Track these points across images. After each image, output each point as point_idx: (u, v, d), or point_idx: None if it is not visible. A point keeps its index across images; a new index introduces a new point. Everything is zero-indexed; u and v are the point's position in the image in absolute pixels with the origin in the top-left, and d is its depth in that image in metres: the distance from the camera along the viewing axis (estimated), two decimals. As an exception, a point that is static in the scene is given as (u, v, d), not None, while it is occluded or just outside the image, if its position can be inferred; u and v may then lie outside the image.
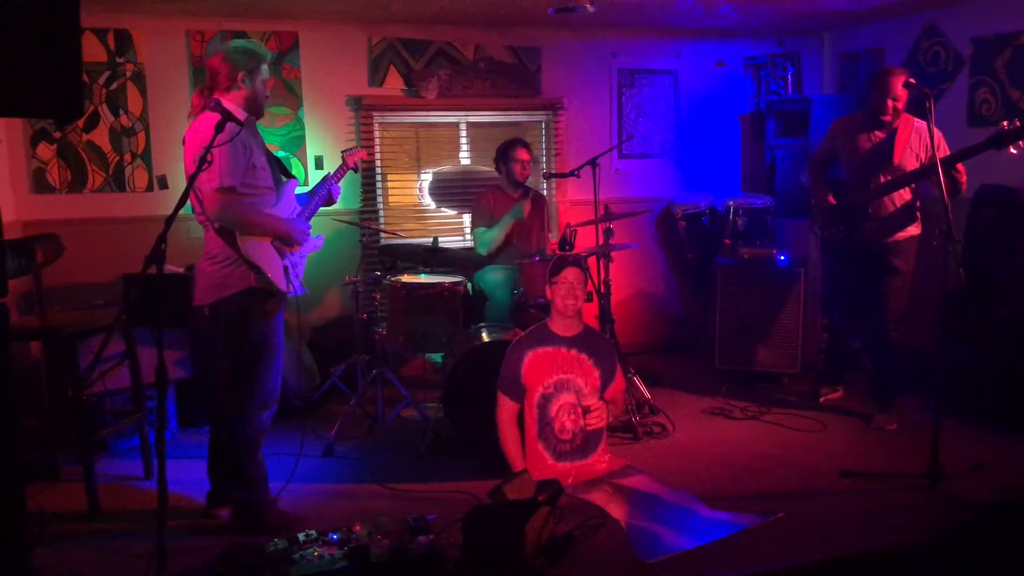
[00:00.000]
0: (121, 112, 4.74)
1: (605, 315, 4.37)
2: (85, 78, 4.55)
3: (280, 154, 4.79)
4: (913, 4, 4.95)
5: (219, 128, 2.66)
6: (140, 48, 4.72)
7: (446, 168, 5.47)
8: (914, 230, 4.09)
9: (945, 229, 3.32)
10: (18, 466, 2.03)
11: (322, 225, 4.13)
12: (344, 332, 4.88)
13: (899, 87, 3.88)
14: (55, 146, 4.65)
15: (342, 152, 3.70)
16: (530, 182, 4.99)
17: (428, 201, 5.45)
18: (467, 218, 5.31)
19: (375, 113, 5.19)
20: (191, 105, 3.09)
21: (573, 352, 3.44)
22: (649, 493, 3.29)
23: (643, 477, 3.45)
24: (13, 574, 1.99)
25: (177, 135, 3.54)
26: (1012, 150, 3.46)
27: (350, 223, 4.78)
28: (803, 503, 3.27)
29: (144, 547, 2.66)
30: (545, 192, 5.49)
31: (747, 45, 5.85)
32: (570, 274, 3.41)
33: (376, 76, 5.15)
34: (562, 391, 3.42)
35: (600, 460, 3.50)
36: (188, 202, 2.61)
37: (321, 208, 3.41)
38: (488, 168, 5.10)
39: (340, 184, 3.50)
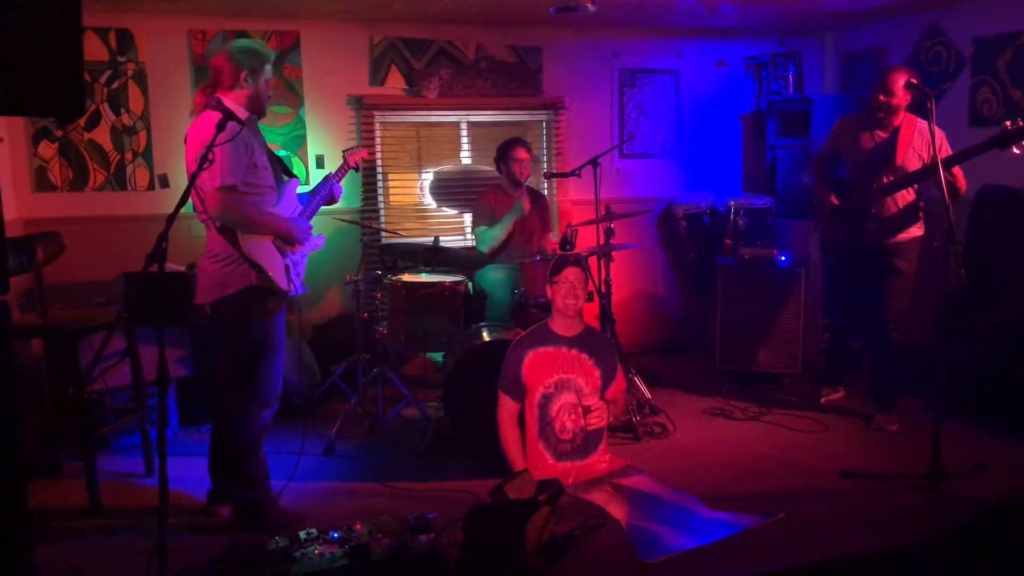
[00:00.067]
0: (122, 111, 4.74)
1: (606, 315, 4.37)
2: (87, 77, 4.55)
3: (281, 153, 4.81)
4: (915, 4, 4.95)
5: (220, 127, 2.66)
6: (141, 47, 4.72)
7: (447, 168, 5.47)
8: (917, 231, 4.08)
9: (946, 230, 3.32)
10: (19, 463, 2.03)
11: (323, 224, 4.14)
12: (345, 331, 4.89)
13: (895, 84, 3.88)
14: (57, 144, 4.66)
15: (343, 151, 3.70)
16: (531, 182, 5.00)
17: (429, 200, 5.45)
18: (468, 217, 5.31)
19: (376, 112, 5.20)
20: (193, 103, 3.10)
21: (574, 352, 3.44)
22: (649, 493, 3.30)
23: (643, 477, 3.45)
24: (15, 571, 1.99)
25: (178, 134, 3.54)
26: (1015, 150, 3.46)
27: (351, 222, 4.78)
28: (804, 504, 3.27)
29: (145, 544, 2.67)
30: (546, 192, 5.49)
31: (748, 45, 5.85)
32: (571, 274, 3.42)
33: (377, 75, 5.15)
34: (563, 391, 3.42)
35: (600, 460, 3.50)
36: (190, 201, 2.62)
37: (322, 207, 3.42)
38: (489, 168, 5.10)
39: (341, 183, 3.51)
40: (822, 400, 4.57)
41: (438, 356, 4.66)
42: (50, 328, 3.53)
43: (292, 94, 4.98)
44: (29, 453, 3.59)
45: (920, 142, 3.94)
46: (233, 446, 3.11)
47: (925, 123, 3.80)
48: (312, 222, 3.28)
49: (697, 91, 5.86)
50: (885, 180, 3.99)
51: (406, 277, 4.26)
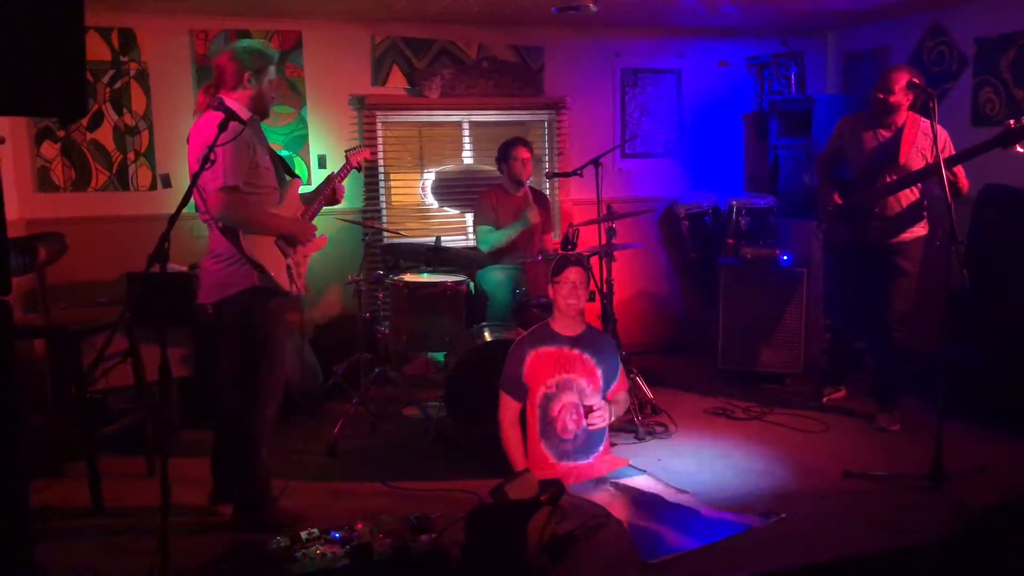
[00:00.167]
0: (125, 111, 4.75)
1: (607, 315, 4.37)
2: (89, 77, 4.56)
3: (283, 153, 4.81)
4: (917, 3, 4.94)
5: (222, 127, 2.67)
6: (144, 47, 4.73)
7: (449, 167, 5.47)
8: (920, 231, 4.07)
9: (948, 229, 3.32)
10: (21, 463, 2.03)
11: (325, 224, 4.13)
12: (347, 331, 4.89)
13: (895, 83, 3.88)
14: (59, 145, 4.66)
15: (346, 151, 3.70)
16: (533, 181, 5.00)
17: (431, 200, 5.45)
18: (469, 217, 5.32)
19: (378, 112, 5.20)
20: (196, 103, 3.10)
21: (575, 352, 3.44)
22: (651, 493, 3.30)
23: (645, 477, 3.45)
24: (17, 570, 1.99)
25: (180, 134, 3.55)
26: (1018, 149, 3.45)
27: (353, 222, 4.78)
28: (806, 504, 3.26)
29: (147, 544, 2.67)
30: (548, 192, 5.49)
31: (750, 44, 5.85)
32: (572, 273, 3.42)
33: (379, 75, 5.16)
34: (564, 391, 3.42)
35: (602, 460, 3.50)
36: (192, 201, 2.62)
37: (325, 207, 3.42)
38: (491, 167, 5.10)
39: (344, 183, 3.51)
40: (824, 399, 4.56)
41: (440, 356, 4.67)
42: (52, 328, 3.54)
43: (294, 94, 4.99)
44: (31, 453, 3.58)
45: (924, 141, 3.94)
46: (235, 446, 3.11)
47: (929, 123, 3.79)
48: (314, 222, 3.28)
49: (699, 91, 5.86)
50: (888, 179, 3.99)
51: (408, 277, 4.26)
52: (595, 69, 5.62)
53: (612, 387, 3.51)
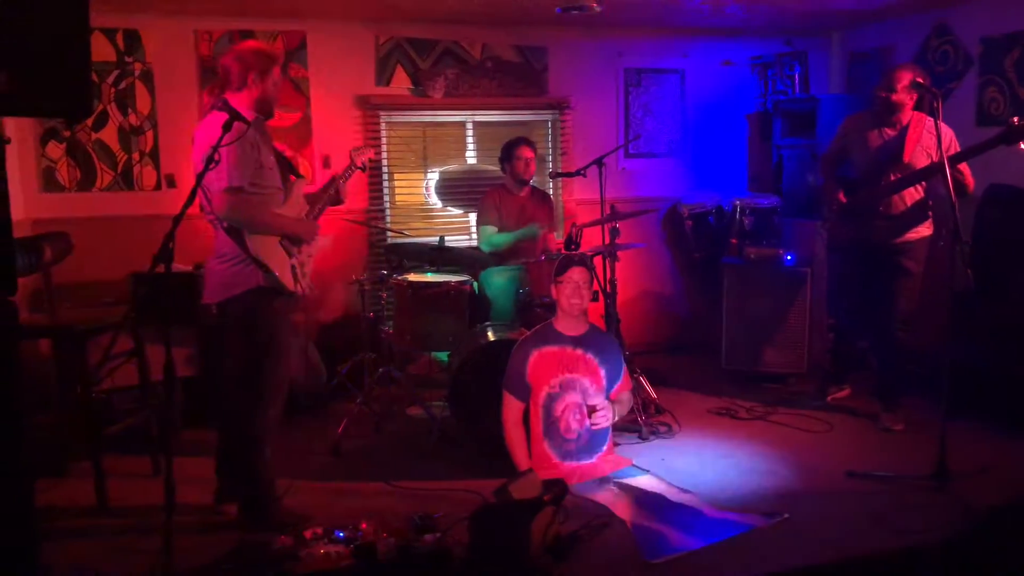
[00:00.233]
0: (130, 111, 4.76)
1: (611, 314, 4.37)
2: (94, 77, 4.57)
3: (287, 153, 4.82)
4: (922, 3, 4.93)
5: (227, 127, 2.68)
6: (148, 48, 4.74)
7: (452, 167, 5.48)
8: (925, 230, 4.07)
9: (952, 229, 3.31)
10: (27, 462, 2.04)
11: (330, 224, 4.15)
12: (351, 330, 4.90)
13: (897, 81, 3.88)
14: (64, 145, 4.68)
15: (350, 151, 3.71)
16: (536, 181, 5.00)
17: (434, 200, 5.46)
18: (473, 217, 5.32)
19: (382, 112, 5.20)
20: (202, 103, 3.11)
21: (579, 351, 3.45)
22: (655, 493, 3.30)
23: (648, 477, 3.45)
24: (23, 569, 2.00)
25: (185, 134, 3.57)
26: (1022, 146, 3.44)
27: (357, 222, 4.79)
28: (809, 504, 3.26)
29: (152, 543, 2.68)
30: (551, 191, 5.49)
31: (754, 44, 5.84)
32: (576, 273, 3.42)
33: (383, 75, 5.16)
34: (568, 390, 3.42)
35: (606, 460, 3.50)
36: (197, 201, 2.63)
37: (329, 207, 3.42)
38: (494, 167, 5.10)
39: (348, 183, 3.51)
40: (828, 399, 4.56)
41: (443, 355, 4.67)
42: (58, 328, 3.55)
43: (298, 94, 4.99)
44: (36, 452, 3.60)
45: (929, 140, 3.92)
46: (240, 445, 3.12)
47: (934, 121, 3.79)
48: (319, 222, 3.29)
49: (703, 91, 5.85)
50: (893, 178, 3.98)
51: (412, 277, 4.26)
52: (599, 69, 5.61)
53: (615, 387, 3.51)
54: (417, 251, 4.47)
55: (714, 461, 3.76)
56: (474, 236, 5.26)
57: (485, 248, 4.70)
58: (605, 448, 3.50)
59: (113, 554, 2.93)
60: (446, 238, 4.39)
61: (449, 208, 5.48)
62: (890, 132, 4.02)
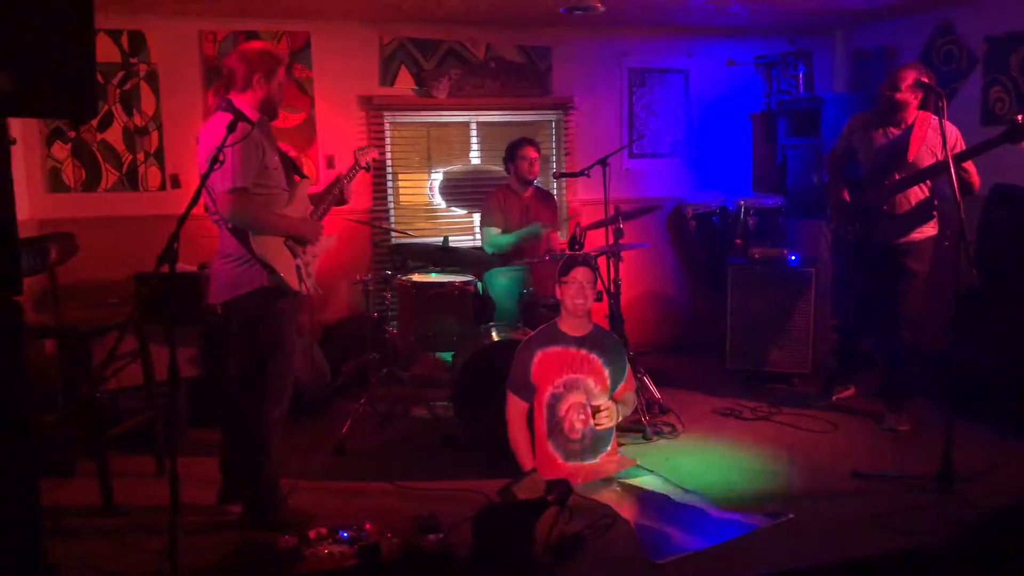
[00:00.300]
0: (135, 112, 4.78)
1: (615, 315, 4.36)
2: (99, 78, 4.59)
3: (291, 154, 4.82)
4: (926, 2, 4.92)
5: (231, 128, 2.68)
6: (153, 49, 4.75)
7: (456, 167, 5.48)
8: (930, 230, 4.05)
9: (958, 229, 3.30)
10: (33, 461, 2.05)
11: (334, 224, 4.15)
12: (355, 331, 4.90)
13: (901, 80, 3.87)
14: (70, 145, 4.70)
15: (355, 151, 3.71)
16: (540, 181, 5.00)
17: (438, 200, 5.46)
18: (477, 217, 5.32)
19: (386, 113, 5.21)
20: (207, 104, 3.11)
21: (583, 352, 3.44)
22: (659, 493, 3.29)
23: (653, 477, 3.45)
24: (28, 568, 2.01)
25: (189, 135, 3.57)
26: None
27: (361, 223, 4.79)
28: (814, 504, 3.25)
29: (157, 542, 2.69)
30: (555, 192, 5.49)
31: (758, 44, 5.83)
32: (580, 273, 3.42)
33: (387, 76, 5.17)
34: (571, 391, 3.42)
35: (610, 460, 3.50)
36: (202, 201, 2.63)
37: (333, 207, 3.43)
38: (498, 168, 5.11)
39: (352, 184, 3.51)
40: (832, 399, 4.55)
41: (447, 356, 4.68)
42: (63, 328, 3.56)
43: (302, 95, 5.00)
44: (42, 452, 3.61)
45: (934, 139, 3.91)
46: (244, 445, 3.13)
47: (938, 120, 3.78)
48: (323, 222, 3.29)
49: (707, 90, 5.85)
50: (897, 177, 3.97)
51: (416, 277, 4.27)
52: (602, 69, 5.61)
53: (619, 387, 3.51)
54: (421, 251, 4.48)
55: (718, 461, 3.76)
56: (478, 236, 5.27)
57: (489, 250, 4.71)
58: (609, 448, 3.50)
59: (118, 553, 2.94)
60: (450, 238, 4.40)
61: (453, 208, 5.48)
62: (895, 131, 4.02)
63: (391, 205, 5.34)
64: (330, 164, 5.10)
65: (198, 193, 2.54)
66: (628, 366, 3.59)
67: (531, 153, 4.72)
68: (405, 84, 5.20)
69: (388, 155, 5.28)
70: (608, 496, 3.24)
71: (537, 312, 4.22)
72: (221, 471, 3.21)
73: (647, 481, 3.40)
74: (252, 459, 3.11)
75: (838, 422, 4.23)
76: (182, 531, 2.48)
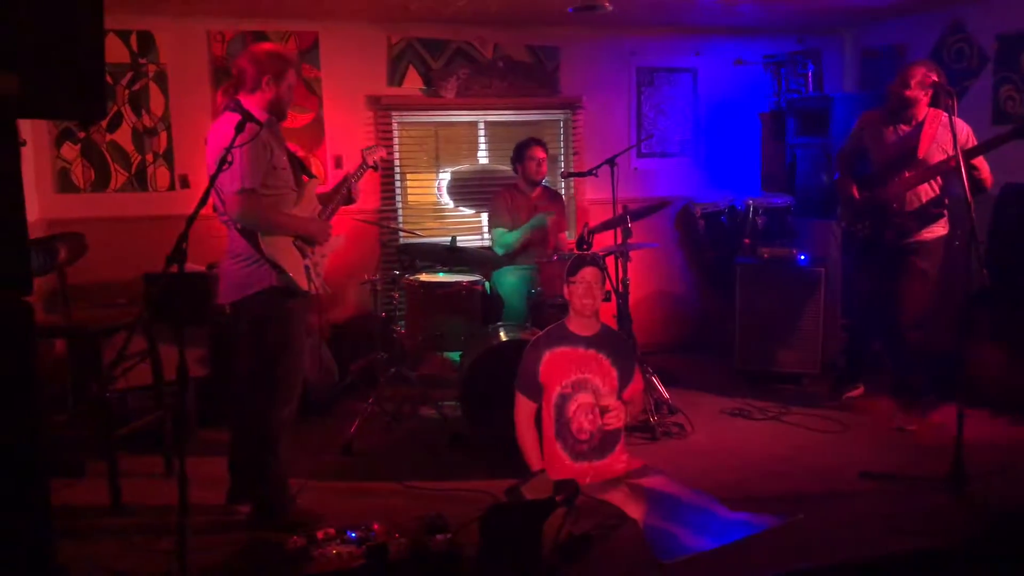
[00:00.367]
0: (143, 112, 4.79)
1: (623, 315, 4.35)
2: (108, 79, 4.60)
3: (299, 154, 4.83)
4: (936, 0, 4.89)
5: (239, 128, 2.68)
6: (162, 49, 4.77)
7: (464, 167, 5.48)
8: (940, 229, 4.03)
9: (968, 229, 3.28)
10: (43, 461, 2.05)
11: (342, 224, 4.15)
12: (363, 330, 4.91)
13: (911, 77, 3.86)
14: (79, 146, 4.72)
15: (362, 151, 3.71)
16: (548, 181, 5.00)
17: (446, 200, 5.46)
18: (485, 217, 5.32)
19: (394, 113, 5.21)
20: (215, 103, 3.12)
21: (591, 352, 3.43)
22: (667, 494, 3.28)
23: (661, 478, 3.43)
24: (39, 568, 2.01)
25: (198, 135, 3.58)
26: None
27: (369, 222, 4.80)
28: (823, 505, 3.24)
29: (166, 542, 2.70)
30: (563, 191, 5.49)
31: (767, 43, 5.81)
32: (588, 273, 3.40)
33: (395, 76, 5.17)
34: (580, 391, 3.41)
35: (618, 460, 3.48)
36: (210, 201, 2.64)
37: (341, 207, 3.43)
38: (506, 167, 5.10)
39: (360, 183, 3.51)
40: (842, 397, 4.53)
41: (455, 356, 4.67)
42: (73, 328, 3.57)
43: (310, 95, 5.01)
44: (52, 451, 3.63)
45: (944, 136, 3.89)
46: (253, 445, 3.13)
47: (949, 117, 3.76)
48: (331, 222, 3.30)
49: (715, 90, 5.83)
50: (907, 174, 3.95)
51: (423, 277, 4.27)
52: (611, 68, 5.60)
53: (628, 387, 3.49)
54: (429, 251, 4.48)
55: (727, 462, 3.74)
56: (486, 236, 5.27)
57: (500, 251, 4.70)
58: (617, 449, 3.49)
59: (127, 553, 2.95)
60: (458, 238, 4.39)
61: (461, 208, 5.48)
62: (905, 128, 4.00)
63: (399, 205, 5.34)
64: (338, 164, 5.10)
65: (206, 193, 2.54)
66: (636, 366, 3.58)
67: (539, 154, 4.72)
68: (413, 84, 5.20)
69: (396, 155, 5.28)
70: (616, 496, 3.23)
71: (545, 312, 4.21)
72: (230, 471, 3.22)
73: (656, 481, 3.39)
74: (261, 459, 3.12)
75: (847, 422, 4.21)
76: (191, 531, 2.49)
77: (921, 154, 3.91)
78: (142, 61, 4.75)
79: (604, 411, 3.37)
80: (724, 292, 5.46)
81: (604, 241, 4.72)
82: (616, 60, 5.60)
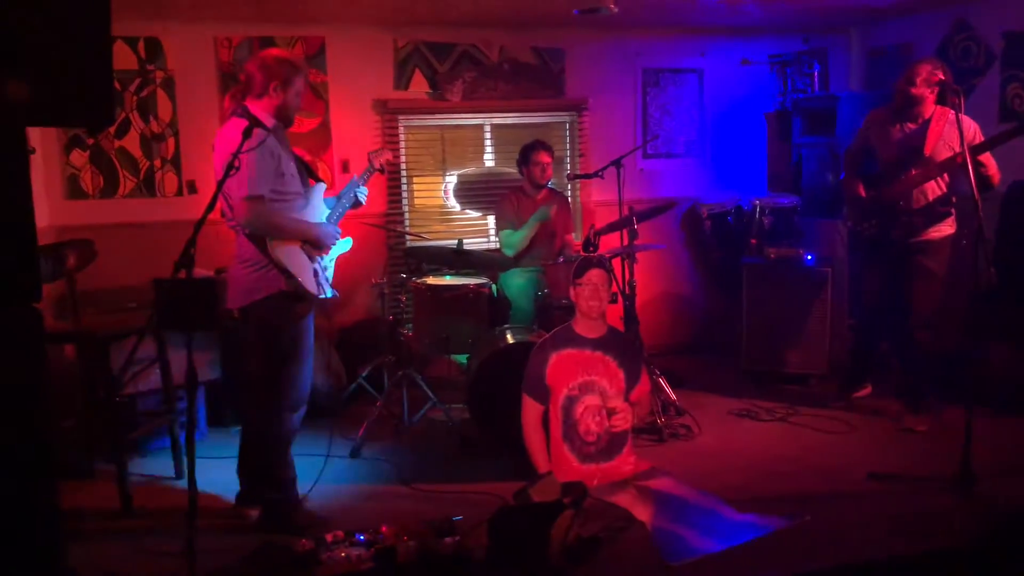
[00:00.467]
0: (151, 118, 4.82)
1: (630, 316, 4.35)
2: (116, 86, 4.63)
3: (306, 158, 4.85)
4: (942, -1, 4.89)
5: (246, 134, 2.70)
6: (169, 55, 4.79)
7: (471, 170, 5.49)
8: (947, 229, 4.01)
9: (975, 227, 3.27)
10: (53, 465, 2.07)
11: (349, 228, 4.16)
12: (370, 334, 4.92)
13: (917, 74, 3.85)
14: (88, 153, 4.75)
15: (368, 154, 3.72)
16: (554, 183, 5.00)
17: (453, 203, 5.47)
18: (491, 220, 5.33)
19: (400, 116, 5.23)
20: (223, 109, 3.14)
21: (598, 354, 3.43)
22: (675, 495, 3.27)
23: (668, 479, 3.43)
24: (48, 569, 2.03)
25: (206, 140, 3.59)
26: None
27: (376, 226, 4.81)
28: (831, 506, 3.24)
29: (175, 545, 2.71)
30: (569, 193, 5.49)
31: (773, 42, 5.80)
32: (594, 275, 3.40)
33: (402, 79, 5.19)
34: (587, 393, 3.41)
35: (625, 462, 3.48)
36: (218, 207, 2.65)
37: (348, 211, 3.44)
38: (512, 170, 5.11)
39: (366, 187, 3.53)
40: (850, 397, 4.52)
41: (462, 358, 4.68)
42: (82, 334, 3.59)
43: (317, 99, 5.03)
44: (62, 455, 3.65)
45: (951, 133, 3.88)
46: (261, 449, 3.15)
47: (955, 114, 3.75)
48: (338, 226, 3.31)
49: (721, 90, 5.83)
50: (914, 172, 3.94)
51: (431, 280, 4.28)
52: (616, 70, 5.60)
53: (635, 389, 3.49)
54: (436, 254, 4.48)
55: (734, 463, 3.74)
56: (493, 239, 5.28)
57: (509, 252, 4.70)
58: (625, 450, 3.49)
59: (137, 556, 2.97)
60: (465, 241, 4.40)
61: (468, 211, 5.49)
62: (911, 126, 3.99)
63: (406, 208, 5.36)
64: (345, 168, 5.12)
65: (214, 199, 2.56)
66: (643, 368, 3.58)
67: (544, 158, 4.72)
68: (419, 87, 5.21)
69: (402, 158, 5.29)
70: (624, 498, 3.23)
71: (552, 314, 4.22)
72: (239, 474, 3.24)
73: (663, 483, 3.39)
74: (269, 462, 3.13)
75: (855, 423, 4.20)
76: (200, 534, 2.50)
77: (928, 152, 3.90)
78: (150, 67, 4.78)
79: (611, 413, 3.37)
80: (730, 293, 5.45)
81: (610, 243, 4.73)
82: (621, 61, 5.61)
